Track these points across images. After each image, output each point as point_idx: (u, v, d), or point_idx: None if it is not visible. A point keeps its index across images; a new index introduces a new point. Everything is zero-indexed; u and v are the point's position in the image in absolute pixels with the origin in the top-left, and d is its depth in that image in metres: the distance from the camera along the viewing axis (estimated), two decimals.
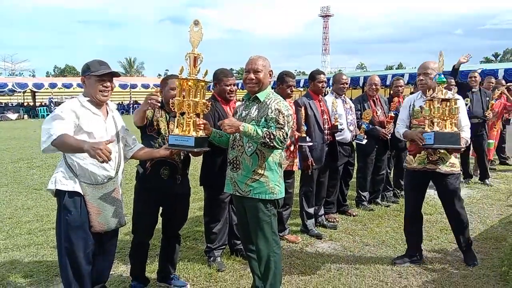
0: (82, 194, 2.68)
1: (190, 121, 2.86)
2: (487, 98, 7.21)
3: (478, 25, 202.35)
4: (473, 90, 7.10)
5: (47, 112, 31.27)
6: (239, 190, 2.96)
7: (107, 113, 2.88)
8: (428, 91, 3.63)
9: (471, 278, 3.59)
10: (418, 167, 3.76)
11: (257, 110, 2.95)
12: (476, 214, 5.45)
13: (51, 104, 32.35)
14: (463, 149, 3.71)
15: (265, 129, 2.82)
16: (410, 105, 3.92)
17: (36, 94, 35.02)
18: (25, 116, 30.88)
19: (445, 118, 3.43)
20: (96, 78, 2.72)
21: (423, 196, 3.95)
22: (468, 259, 3.87)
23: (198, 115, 2.90)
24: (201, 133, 2.91)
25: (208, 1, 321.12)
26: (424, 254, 4.02)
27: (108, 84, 2.79)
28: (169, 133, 3.08)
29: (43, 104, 34.42)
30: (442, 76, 3.40)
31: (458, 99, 3.50)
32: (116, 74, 2.85)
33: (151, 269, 3.67)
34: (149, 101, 2.87)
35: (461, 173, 4.10)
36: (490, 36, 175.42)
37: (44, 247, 4.36)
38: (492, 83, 7.92)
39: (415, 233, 3.95)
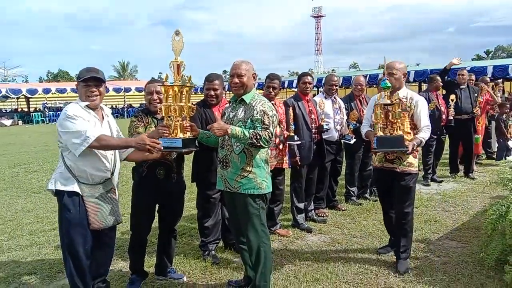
0: (80, 193, 2.86)
1: (177, 124, 3.07)
2: (475, 95, 7.39)
3: (470, 23, 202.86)
4: (462, 87, 7.26)
5: (41, 117, 31.29)
6: (229, 187, 3.17)
7: (103, 118, 3.06)
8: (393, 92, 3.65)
9: (450, 264, 3.83)
10: (378, 165, 3.89)
11: (243, 112, 3.15)
12: (460, 206, 5.70)
13: (45, 109, 32.36)
14: (418, 149, 3.70)
15: (251, 130, 3.02)
16: (374, 105, 4.00)
17: (30, 99, 34.99)
18: (20, 122, 30.83)
19: (393, 121, 3.53)
20: (82, 84, 2.91)
21: (388, 193, 3.93)
22: (400, 266, 3.72)
23: (185, 118, 3.12)
24: (188, 135, 3.12)
25: (201, 4, 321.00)
26: None
27: (94, 89, 2.92)
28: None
29: (37, 109, 34.38)
30: (387, 81, 3.57)
31: (405, 104, 3.56)
32: (99, 79, 2.95)
33: (149, 264, 3.87)
34: (160, 130, 3.05)
35: (419, 173, 4.06)
36: (481, 34, 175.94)
37: (45, 246, 4.55)
38: (473, 80, 8.02)
39: (393, 226, 4.05)
